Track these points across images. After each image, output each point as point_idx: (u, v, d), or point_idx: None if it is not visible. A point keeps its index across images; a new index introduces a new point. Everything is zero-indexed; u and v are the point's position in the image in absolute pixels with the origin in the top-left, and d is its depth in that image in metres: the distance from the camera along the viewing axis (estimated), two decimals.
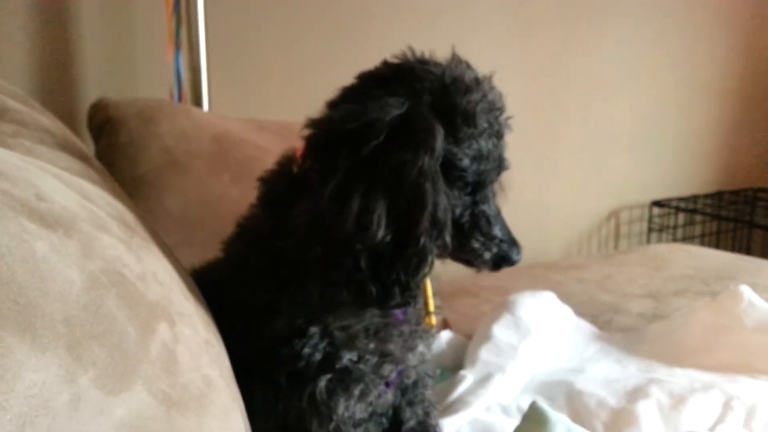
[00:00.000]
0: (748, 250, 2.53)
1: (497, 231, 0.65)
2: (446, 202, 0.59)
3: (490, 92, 0.64)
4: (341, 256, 0.56)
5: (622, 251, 1.99)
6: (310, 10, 1.67)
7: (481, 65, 0.67)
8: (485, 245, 0.64)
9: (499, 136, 0.64)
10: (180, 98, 1.38)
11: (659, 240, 2.45)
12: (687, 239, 2.49)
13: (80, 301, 0.37)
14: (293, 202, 0.60)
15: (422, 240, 0.56)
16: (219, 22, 1.49)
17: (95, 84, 1.42)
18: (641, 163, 2.44)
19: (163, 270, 0.51)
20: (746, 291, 1.15)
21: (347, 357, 0.61)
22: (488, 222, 0.64)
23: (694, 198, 2.52)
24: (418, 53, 0.65)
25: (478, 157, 0.61)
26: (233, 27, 1.57)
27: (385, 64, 0.64)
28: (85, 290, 0.38)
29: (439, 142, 0.58)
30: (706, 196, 2.55)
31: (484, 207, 0.64)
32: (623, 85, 2.32)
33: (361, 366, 0.62)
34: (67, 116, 1.31)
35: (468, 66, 0.65)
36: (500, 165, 0.65)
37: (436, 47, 0.66)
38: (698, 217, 2.51)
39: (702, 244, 2.48)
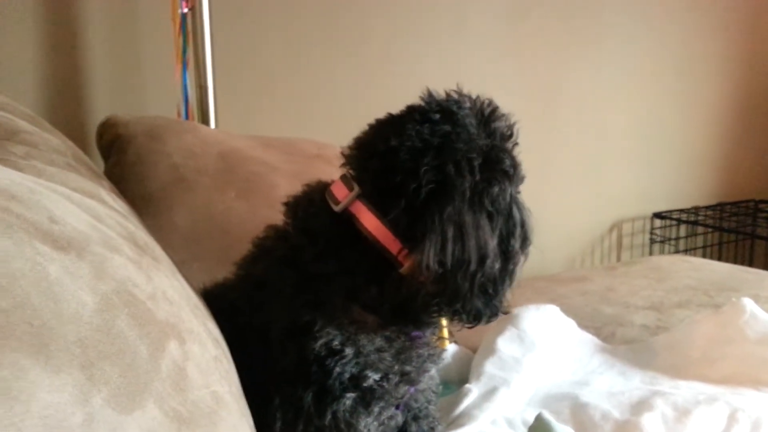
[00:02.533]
0: (750, 262, 2.52)
1: None
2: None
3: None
4: (464, 283, 0.60)
5: (625, 263, 1.99)
6: (315, 29, 1.69)
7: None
8: None
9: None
10: (187, 115, 1.40)
11: (661, 251, 2.45)
12: (689, 251, 2.48)
13: (93, 322, 0.38)
14: (338, 236, 0.64)
15: (518, 257, 0.64)
16: (225, 41, 1.50)
17: (104, 102, 1.44)
18: (642, 175, 2.44)
19: (172, 288, 0.52)
20: (748, 303, 1.15)
21: (373, 377, 0.63)
22: None
23: (696, 210, 2.51)
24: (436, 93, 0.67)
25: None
26: (239, 45, 1.58)
27: (433, 104, 0.65)
28: (98, 311, 0.39)
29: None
30: (708, 207, 2.54)
31: None
32: (623, 98, 2.33)
33: (384, 385, 0.64)
34: (76, 134, 1.33)
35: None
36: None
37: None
38: (700, 229, 2.50)
39: (704, 255, 2.47)
